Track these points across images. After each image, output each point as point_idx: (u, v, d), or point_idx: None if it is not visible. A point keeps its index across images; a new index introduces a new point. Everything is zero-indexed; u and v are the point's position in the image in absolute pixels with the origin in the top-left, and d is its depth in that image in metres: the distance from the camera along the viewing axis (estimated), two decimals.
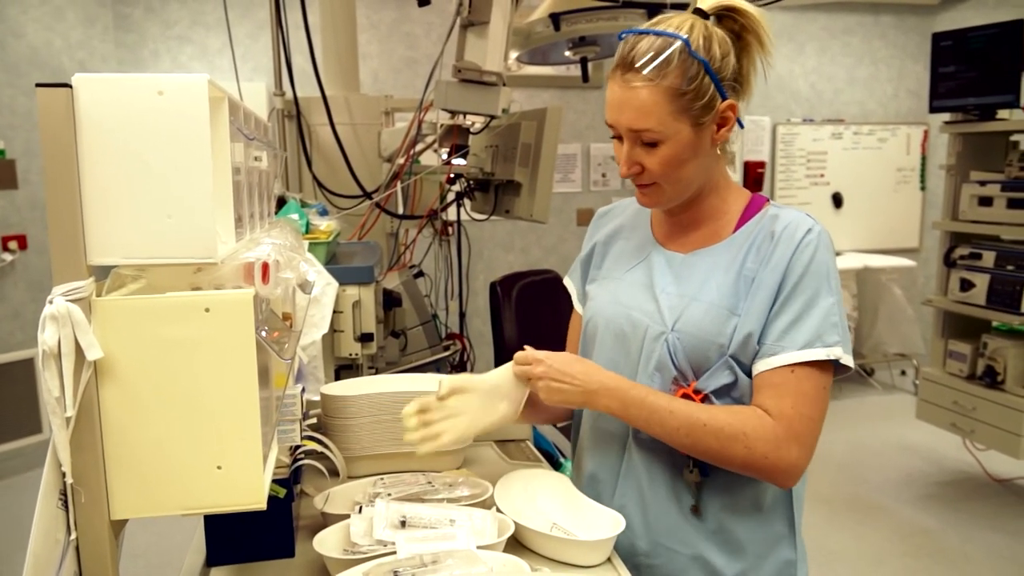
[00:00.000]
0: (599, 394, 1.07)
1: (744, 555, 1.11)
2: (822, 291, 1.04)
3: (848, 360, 1.04)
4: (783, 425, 1.02)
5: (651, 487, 1.13)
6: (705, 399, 1.07)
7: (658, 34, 1.04)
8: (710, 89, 1.03)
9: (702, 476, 1.09)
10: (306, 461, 1.19)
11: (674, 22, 1.05)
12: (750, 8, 1.04)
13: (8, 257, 3.87)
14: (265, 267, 0.81)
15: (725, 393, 1.08)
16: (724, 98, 1.05)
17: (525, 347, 1.13)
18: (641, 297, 1.15)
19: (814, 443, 1.04)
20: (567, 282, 1.34)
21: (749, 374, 1.07)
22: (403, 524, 1.03)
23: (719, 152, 1.10)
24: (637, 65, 1.03)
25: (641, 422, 1.06)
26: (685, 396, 1.08)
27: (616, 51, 1.08)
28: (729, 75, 1.05)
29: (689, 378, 1.09)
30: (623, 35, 1.07)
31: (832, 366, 1.05)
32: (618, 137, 1.09)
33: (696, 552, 1.11)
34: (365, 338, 1.64)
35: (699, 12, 1.06)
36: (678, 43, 1.02)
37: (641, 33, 1.05)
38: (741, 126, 1.10)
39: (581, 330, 1.25)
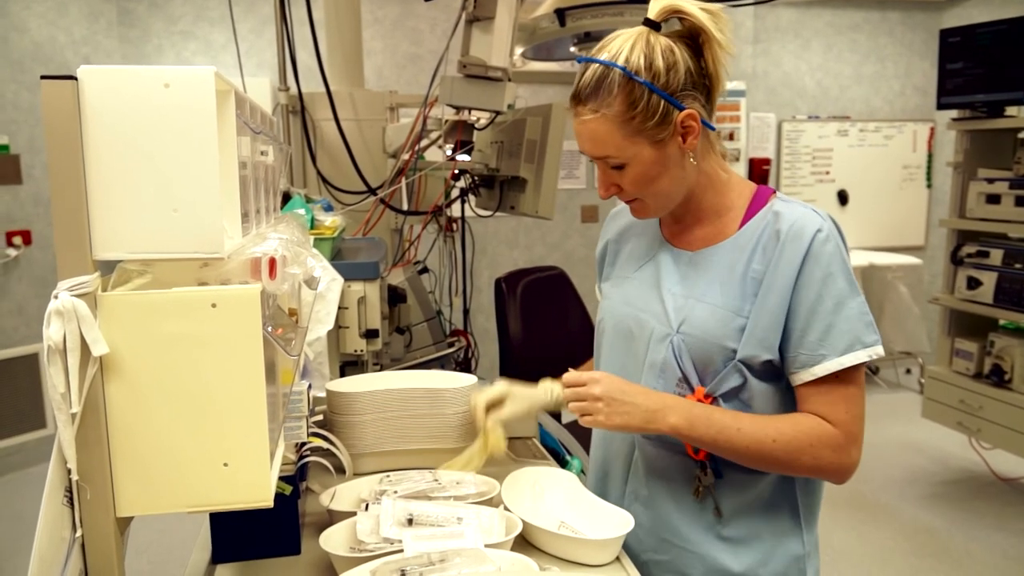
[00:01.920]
0: (663, 412, 1.03)
1: (751, 550, 1.10)
2: (847, 292, 1.03)
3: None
4: (843, 431, 1.03)
5: (658, 484, 1.13)
6: (714, 403, 1.07)
7: (598, 63, 1.02)
8: (659, 106, 1.01)
9: (716, 478, 1.09)
10: (312, 458, 1.19)
11: (615, 45, 1.03)
12: (693, 9, 1.01)
13: (12, 252, 3.87)
14: (272, 262, 0.81)
15: (734, 396, 1.07)
16: (681, 109, 1.02)
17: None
18: (649, 297, 1.15)
19: (863, 437, 1.06)
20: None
21: (759, 376, 1.06)
22: (410, 522, 1.03)
23: (692, 160, 1.07)
24: (582, 98, 1.04)
25: (708, 441, 1.03)
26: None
27: None
28: (682, 84, 1.02)
29: (693, 381, 1.08)
30: (579, 61, 1.07)
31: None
32: None
33: (703, 549, 1.10)
34: (370, 334, 1.63)
35: (649, 23, 1.03)
36: (615, 72, 1.01)
37: (587, 61, 1.04)
38: (712, 128, 1.08)
39: None
